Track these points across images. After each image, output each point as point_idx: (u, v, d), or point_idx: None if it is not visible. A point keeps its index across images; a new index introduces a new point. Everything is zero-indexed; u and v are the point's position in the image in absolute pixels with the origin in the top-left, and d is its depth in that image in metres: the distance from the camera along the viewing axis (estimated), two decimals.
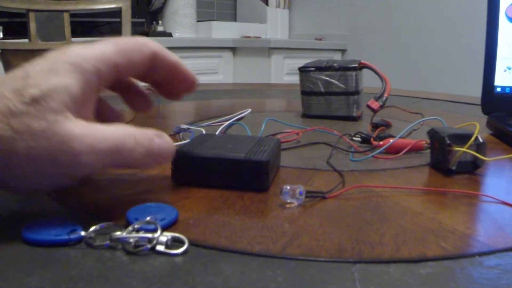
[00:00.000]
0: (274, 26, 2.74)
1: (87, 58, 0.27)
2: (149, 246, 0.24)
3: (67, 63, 0.27)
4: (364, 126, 0.60)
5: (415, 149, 0.44)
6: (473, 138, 0.37)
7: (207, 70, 2.24)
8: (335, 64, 0.63)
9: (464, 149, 0.37)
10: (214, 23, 2.49)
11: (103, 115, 0.35)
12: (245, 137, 0.40)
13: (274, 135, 0.48)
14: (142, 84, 0.35)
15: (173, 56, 0.32)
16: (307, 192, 0.31)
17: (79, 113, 0.27)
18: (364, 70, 0.66)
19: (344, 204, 0.31)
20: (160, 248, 0.24)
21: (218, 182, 0.33)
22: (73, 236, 0.24)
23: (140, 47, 0.30)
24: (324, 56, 2.47)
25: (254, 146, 0.35)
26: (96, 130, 0.26)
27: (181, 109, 0.71)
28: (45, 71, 0.26)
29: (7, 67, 1.13)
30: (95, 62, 0.27)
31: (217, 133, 0.47)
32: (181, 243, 0.24)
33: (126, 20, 1.27)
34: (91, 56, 0.27)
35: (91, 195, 0.32)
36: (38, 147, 0.24)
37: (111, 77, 0.29)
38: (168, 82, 0.34)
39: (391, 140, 0.44)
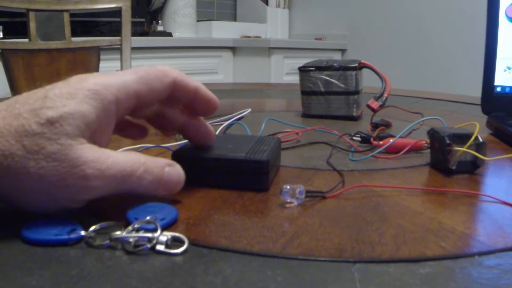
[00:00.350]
0: (274, 26, 2.74)
1: (107, 87, 0.28)
2: (149, 245, 0.24)
3: (87, 89, 0.27)
4: (364, 126, 0.60)
5: (415, 149, 0.44)
6: (473, 138, 0.37)
7: (207, 70, 2.24)
8: (335, 64, 0.63)
9: (464, 149, 0.37)
10: (214, 23, 2.48)
11: (127, 131, 0.35)
12: (245, 137, 0.40)
13: (274, 134, 0.48)
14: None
15: (193, 82, 0.32)
16: (307, 191, 0.31)
17: (94, 139, 0.27)
18: (364, 70, 0.66)
19: (344, 204, 0.31)
20: (160, 247, 0.24)
21: (218, 182, 0.33)
22: (73, 235, 0.24)
23: (160, 75, 0.30)
24: (324, 56, 2.47)
25: (254, 146, 0.35)
26: (107, 156, 0.27)
27: None
28: (64, 95, 0.26)
29: (7, 67, 1.13)
30: (115, 91, 0.28)
31: (217, 133, 0.47)
32: (181, 242, 0.24)
33: (126, 20, 1.27)
34: (111, 84, 0.28)
35: None
36: (49, 168, 0.25)
37: (131, 105, 0.29)
38: (190, 107, 0.34)
39: (391, 140, 0.44)
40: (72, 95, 0.26)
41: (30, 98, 0.26)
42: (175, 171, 0.29)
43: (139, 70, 0.30)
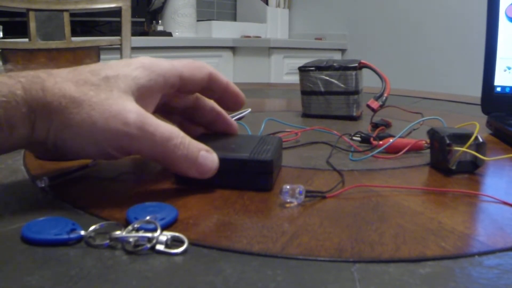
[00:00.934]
0: (274, 25, 2.74)
1: (158, 64, 0.32)
2: (148, 245, 0.24)
3: (140, 63, 0.32)
4: (364, 126, 0.60)
5: (415, 149, 0.44)
6: (472, 138, 0.37)
7: None
8: (335, 64, 0.63)
9: (464, 149, 0.37)
10: (214, 22, 2.49)
11: None
12: (247, 137, 0.40)
13: (274, 134, 0.48)
14: None
15: (225, 78, 0.37)
16: (307, 191, 0.31)
17: (141, 105, 0.31)
18: (364, 70, 0.66)
19: (344, 204, 0.31)
20: (160, 247, 0.24)
21: (221, 182, 0.33)
22: (72, 235, 0.24)
23: (199, 66, 0.35)
24: (324, 56, 2.47)
25: (257, 146, 0.35)
26: (150, 116, 0.30)
27: None
28: (120, 64, 0.32)
29: (7, 67, 1.13)
30: (164, 68, 0.32)
31: None
32: (181, 242, 0.24)
33: (126, 20, 1.27)
34: (160, 63, 0.33)
35: (91, 195, 0.32)
36: (98, 112, 0.29)
37: (176, 85, 0.33)
38: (221, 100, 0.39)
39: (391, 140, 0.44)
40: (127, 65, 0.31)
41: (91, 65, 0.31)
42: (211, 157, 0.32)
43: (183, 60, 0.34)
